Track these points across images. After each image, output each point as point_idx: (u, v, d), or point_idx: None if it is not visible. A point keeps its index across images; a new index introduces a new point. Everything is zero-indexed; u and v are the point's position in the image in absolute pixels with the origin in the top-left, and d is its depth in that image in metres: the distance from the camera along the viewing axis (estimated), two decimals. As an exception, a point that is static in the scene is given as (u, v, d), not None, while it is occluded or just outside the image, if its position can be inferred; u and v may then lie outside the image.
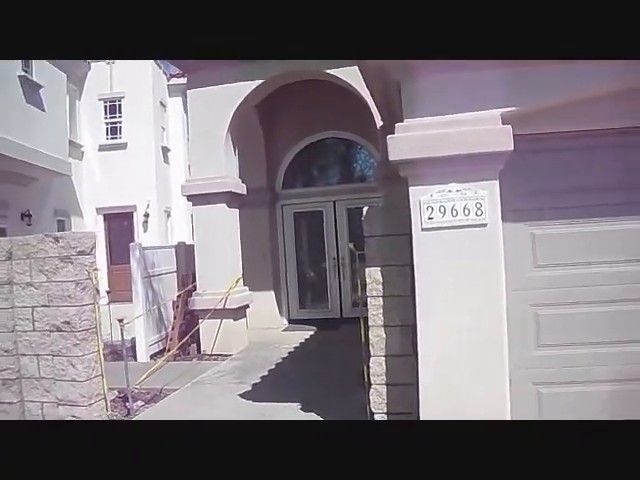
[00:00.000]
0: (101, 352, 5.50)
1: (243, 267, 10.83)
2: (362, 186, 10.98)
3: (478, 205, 3.74)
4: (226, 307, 8.65)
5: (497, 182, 3.75)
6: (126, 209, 16.77)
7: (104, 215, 16.97)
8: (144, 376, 6.89)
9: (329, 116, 10.73)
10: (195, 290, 9.06)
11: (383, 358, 4.44)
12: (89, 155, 16.81)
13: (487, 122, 3.70)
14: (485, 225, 3.75)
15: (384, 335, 4.41)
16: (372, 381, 4.49)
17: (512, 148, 3.65)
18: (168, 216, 18.48)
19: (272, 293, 11.19)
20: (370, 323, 4.44)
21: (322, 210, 11.46)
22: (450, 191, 3.76)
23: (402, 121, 3.87)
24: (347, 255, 11.05)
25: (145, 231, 16.85)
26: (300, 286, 11.66)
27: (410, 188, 3.86)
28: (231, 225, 9.15)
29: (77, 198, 16.08)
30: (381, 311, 4.40)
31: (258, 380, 7.00)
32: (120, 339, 6.25)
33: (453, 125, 3.72)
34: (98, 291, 5.56)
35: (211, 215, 8.87)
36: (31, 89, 12.01)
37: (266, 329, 10.68)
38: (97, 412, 5.44)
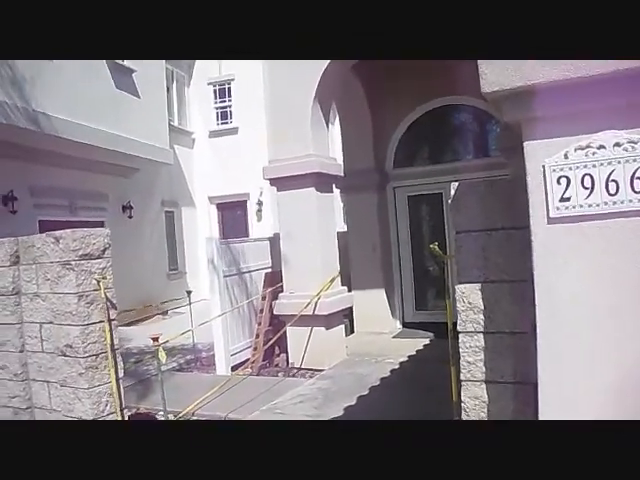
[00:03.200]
0: (115, 384, 4.22)
1: (348, 262, 9.35)
2: (491, 162, 8.85)
3: (662, 174, 1.84)
4: (315, 313, 7.15)
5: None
6: (239, 197, 15.91)
7: (217, 204, 16.24)
8: (195, 403, 5.67)
9: (448, 78, 8.69)
10: (282, 291, 7.66)
11: (485, 434, 2.66)
12: (200, 142, 16.16)
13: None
14: (676, 213, 1.84)
15: (486, 397, 2.62)
16: (467, 468, 2.73)
17: None
18: (285, 204, 17.42)
19: (383, 292, 9.49)
20: (463, 376, 2.67)
21: (442, 192, 9.48)
22: (603, 147, 1.89)
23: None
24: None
25: (259, 220, 15.87)
26: (416, 283, 9.82)
27: (525, 144, 2.05)
28: (323, 213, 7.57)
29: (188, 187, 15.49)
30: (481, 357, 2.62)
31: (340, 413, 5.42)
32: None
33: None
34: (114, 305, 4.27)
35: (296, 201, 7.39)
36: (121, 74, 11.26)
37: (375, 334, 9.10)
38: (111, 463, 4.18)
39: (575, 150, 1.91)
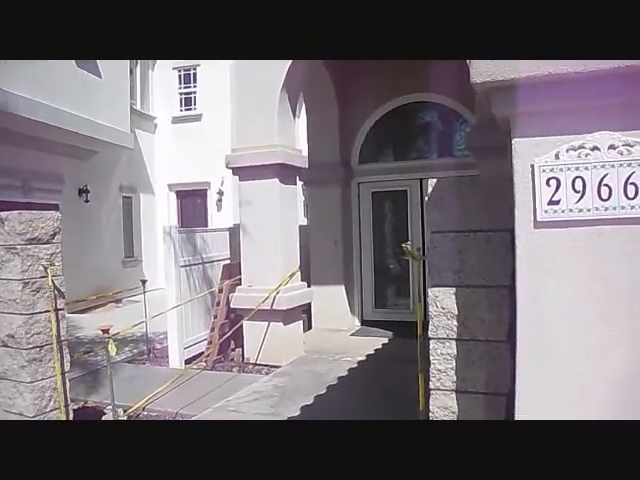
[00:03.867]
0: (60, 377, 3.97)
1: (309, 257, 9.19)
2: (457, 162, 8.80)
3: (659, 179, 1.74)
4: (274, 308, 6.98)
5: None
6: (199, 186, 15.54)
7: (176, 192, 15.86)
8: (145, 398, 5.45)
9: (418, 75, 8.54)
10: (240, 284, 7.46)
11: (451, 445, 2.55)
12: (162, 128, 15.73)
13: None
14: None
15: (455, 407, 2.50)
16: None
17: None
18: (246, 195, 17.14)
19: (343, 288, 9.38)
20: (433, 384, 2.54)
21: (406, 189, 9.42)
22: (597, 148, 1.78)
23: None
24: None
25: (219, 210, 15.55)
26: (377, 281, 9.71)
27: (514, 141, 1.92)
28: (286, 206, 7.39)
29: (148, 173, 15.06)
30: (453, 365, 2.50)
31: (297, 413, 5.27)
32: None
33: None
34: (62, 294, 4.02)
35: (259, 192, 7.19)
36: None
37: (333, 331, 8.96)
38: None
39: (567, 150, 1.80)
